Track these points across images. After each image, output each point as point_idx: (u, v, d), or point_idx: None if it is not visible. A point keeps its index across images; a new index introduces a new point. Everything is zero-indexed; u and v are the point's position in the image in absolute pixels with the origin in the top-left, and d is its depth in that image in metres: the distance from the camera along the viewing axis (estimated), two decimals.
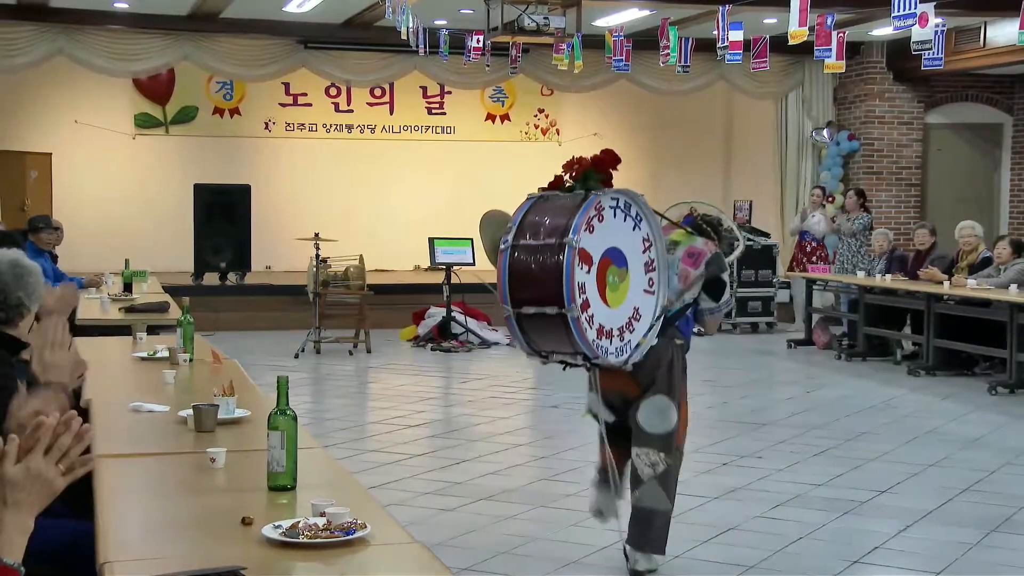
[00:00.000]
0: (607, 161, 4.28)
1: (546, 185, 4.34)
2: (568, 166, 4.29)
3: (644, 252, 4.26)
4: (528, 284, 4.07)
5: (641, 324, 4.24)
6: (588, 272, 4.02)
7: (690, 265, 4.50)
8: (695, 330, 4.69)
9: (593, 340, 4.01)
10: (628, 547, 4.54)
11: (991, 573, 4.69)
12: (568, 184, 4.27)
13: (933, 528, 5.23)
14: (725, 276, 4.59)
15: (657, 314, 4.29)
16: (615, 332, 4.13)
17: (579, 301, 3.94)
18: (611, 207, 4.15)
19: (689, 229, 4.68)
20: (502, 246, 4.15)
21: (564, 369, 4.34)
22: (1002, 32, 12.58)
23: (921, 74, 12.21)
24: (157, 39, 13.37)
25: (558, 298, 3.96)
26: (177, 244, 13.78)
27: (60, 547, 2.88)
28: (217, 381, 3.96)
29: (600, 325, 4.05)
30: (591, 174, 4.24)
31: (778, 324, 13.07)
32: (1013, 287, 9.02)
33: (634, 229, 4.24)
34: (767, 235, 13.45)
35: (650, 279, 4.29)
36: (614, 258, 4.15)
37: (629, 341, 4.18)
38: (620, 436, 4.52)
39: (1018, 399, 8.64)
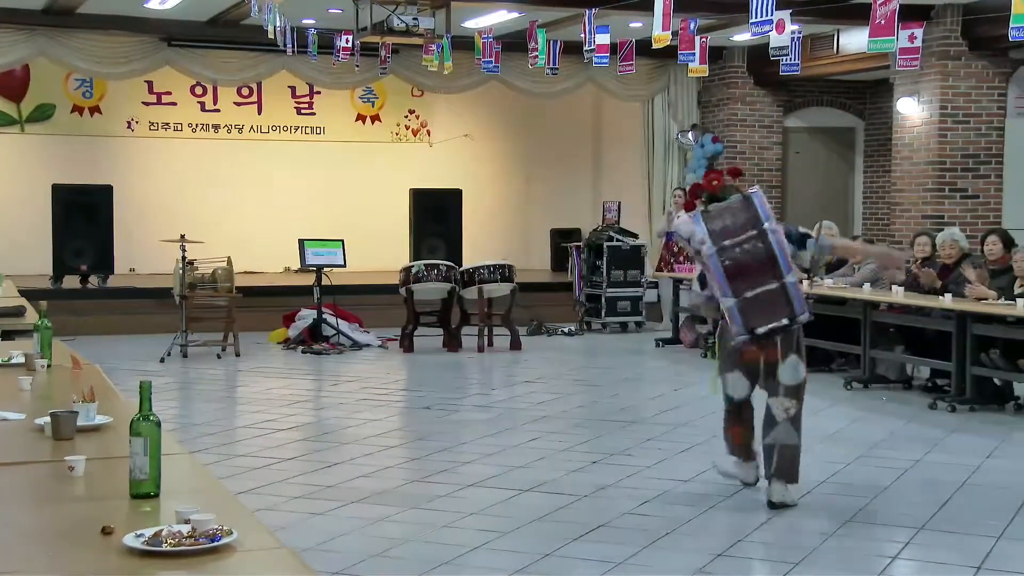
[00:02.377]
0: (738, 172, 5.92)
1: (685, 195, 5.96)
2: (709, 179, 5.68)
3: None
4: (745, 273, 5.30)
5: (803, 287, 5.75)
6: None
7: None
8: None
9: (804, 299, 5.40)
10: (767, 481, 5.56)
11: (847, 562, 4.88)
12: (714, 194, 5.53)
13: (793, 519, 5.41)
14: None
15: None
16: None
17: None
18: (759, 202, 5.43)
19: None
20: (708, 252, 5.28)
21: (763, 338, 5.48)
22: (853, 40, 13.08)
23: (780, 79, 12.60)
24: (10, 34, 12.87)
25: (777, 273, 5.33)
26: (34, 246, 13.31)
27: None
28: (77, 387, 3.85)
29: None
30: (730, 182, 5.65)
31: (646, 323, 13.32)
32: (866, 286, 9.40)
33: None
34: (635, 236, 13.69)
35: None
36: None
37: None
38: (737, 415, 5.85)
39: (871, 394, 9.00)
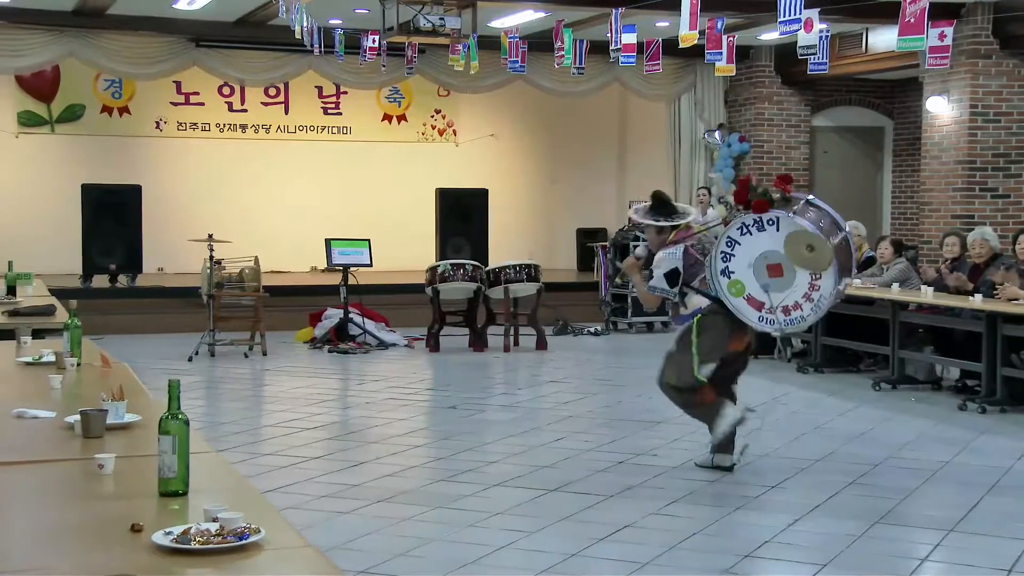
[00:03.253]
0: (788, 179, 6.36)
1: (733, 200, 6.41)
2: (782, 181, 6.25)
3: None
4: (847, 263, 6.20)
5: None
6: None
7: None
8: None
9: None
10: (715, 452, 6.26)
11: (875, 564, 4.84)
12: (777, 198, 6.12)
13: (820, 521, 5.38)
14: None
15: None
16: None
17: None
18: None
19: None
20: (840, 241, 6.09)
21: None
22: (882, 38, 13.00)
23: (807, 78, 12.53)
24: (40, 35, 12.99)
25: (851, 268, 6.37)
26: (64, 246, 13.42)
27: None
28: (106, 386, 3.87)
29: None
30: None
31: (673, 324, 13.23)
32: (895, 286, 9.33)
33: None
34: None
35: None
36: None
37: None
38: (705, 388, 6.26)
39: (900, 394, 8.93)
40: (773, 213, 6.01)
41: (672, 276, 6.20)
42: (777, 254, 6.03)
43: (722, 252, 6.12)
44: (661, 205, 6.39)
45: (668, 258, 6.19)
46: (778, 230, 6.02)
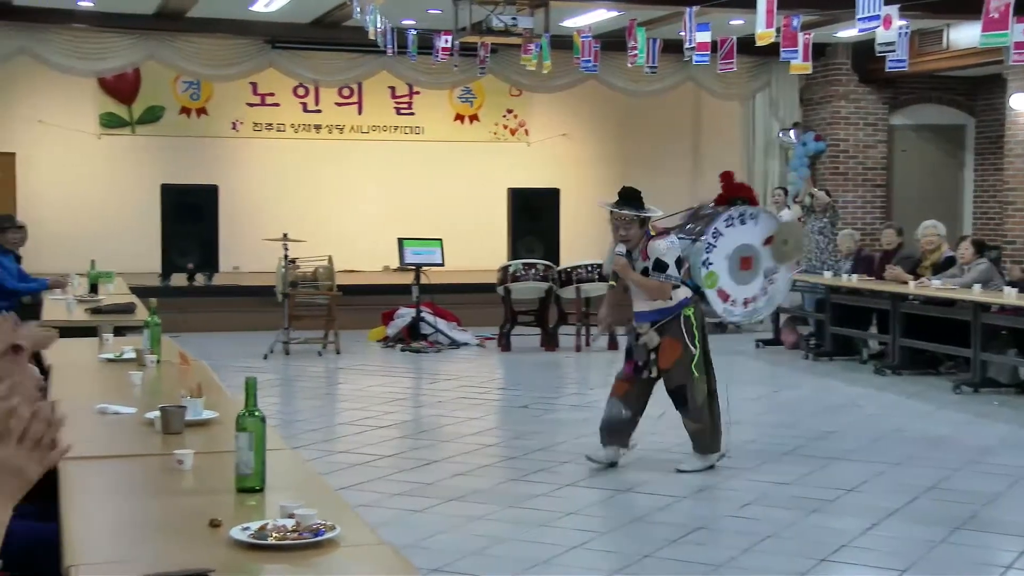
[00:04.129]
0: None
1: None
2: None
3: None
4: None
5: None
6: None
7: None
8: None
9: None
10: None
11: (956, 570, 4.74)
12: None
13: (899, 526, 5.27)
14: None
15: None
16: None
17: None
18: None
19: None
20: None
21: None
22: (964, 35, 12.72)
23: (885, 76, 12.32)
24: (122, 38, 13.26)
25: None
26: (144, 245, 13.67)
27: (20, 549, 2.85)
28: (185, 382, 3.93)
29: None
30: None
31: (746, 324, 13.11)
32: (976, 287, 9.11)
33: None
34: None
35: None
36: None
37: None
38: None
39: (982, 398, 8.73)
40: (757, 209, 6.58)
41: (680, 264, 6.21)
42: (751, 248, 6.52)
43: (707, 243, 6.35)
44: (635, 198, 6.19)
45: (672, 247, 6.16)
46: (757, 224, 6.53)
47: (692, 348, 6.20)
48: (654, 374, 6.24)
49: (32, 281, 9.07)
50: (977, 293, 8.97)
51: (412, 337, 11.47)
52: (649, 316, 6.22)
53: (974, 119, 15.36)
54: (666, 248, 6.13)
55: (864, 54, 13.74)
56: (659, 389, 6.34)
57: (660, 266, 6.11)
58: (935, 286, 9.39)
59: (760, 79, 14.97)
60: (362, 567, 2.42)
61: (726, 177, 6.69)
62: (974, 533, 5.17)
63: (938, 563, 4.76)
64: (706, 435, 6.26)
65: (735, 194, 6.60)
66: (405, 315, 11.73)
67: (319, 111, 15.73)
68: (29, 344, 4.32)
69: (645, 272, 6.14)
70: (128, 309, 7.26)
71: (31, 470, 2.00)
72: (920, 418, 7.97)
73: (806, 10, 10.66)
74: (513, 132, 16.49)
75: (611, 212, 6.17)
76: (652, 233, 6.19)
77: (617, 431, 6.25)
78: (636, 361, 6.27)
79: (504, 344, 11.37)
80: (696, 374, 6.20)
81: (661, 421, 7.81)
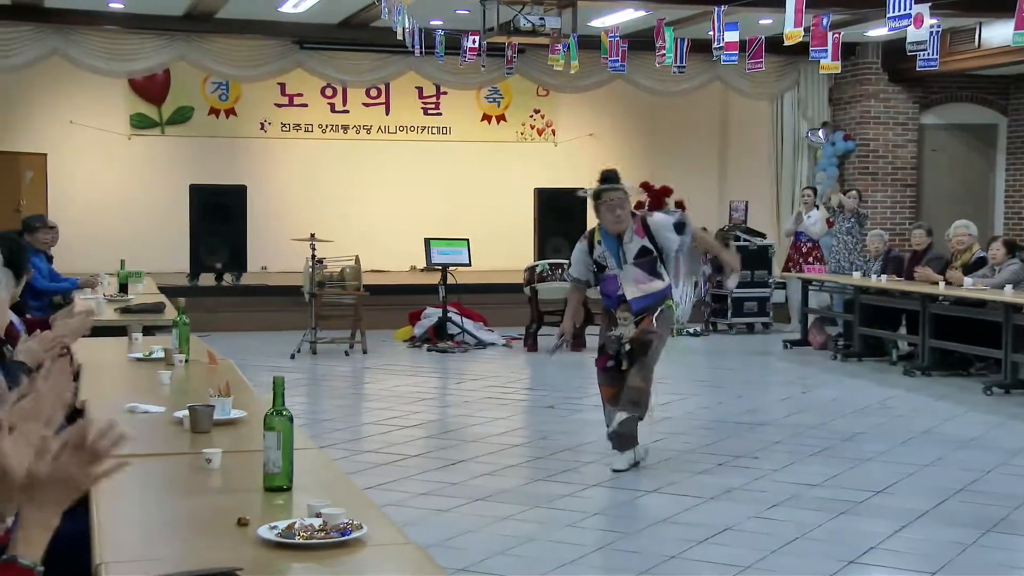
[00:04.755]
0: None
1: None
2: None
3: None
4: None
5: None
6: None
7: None
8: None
9: None
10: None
11: (986, 573, 4.69)
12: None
13: (929, 528, 5.23)
14: None
15: None
16: None
17: None
18: None
19: None
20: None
21: None
22: (997, 33, 12.60)
23: (916, 75, 12.22)
24: (152, 39, 13.35)
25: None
26: (173, 245, 13.77)
27: (50, 547, 2.87)
28: (213, 382, 3.95)
29: None
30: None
31: (774, 325, 13.07)
32: (1008, 287, 9.03)
33: None
34: (763, 235, 13.46)
35: None
36: None
37: None
38: None
39: (1013, 399, 8.65)
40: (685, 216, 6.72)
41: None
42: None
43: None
44: (618, 179, 6.37)
45: (671, 214, 6.55)
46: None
47: (664, 335, 6.26)
48: (624, 366, 6.22)
49: (63, 281, 9.15)
50: (1008, 294, 8.88)
51: (439, 337, 11.49)
52: (642, 302, 6.18)
53: (1006, 118, 15.21)
54: (668, 214, 6.45)
55: (894, 53, 13.64)
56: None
57: (680, 228, 6.31)
58: (967, 287, 9.31)
59: (789, 78, 14.89)
60: (388, 566, 2.42)
61: (646, 186, 6.86)
62: (1005, 536, 5.13)
63: (968, 566, 4.72)
64: (643, 399, 6.16)
65: (664, 195, 6.79)
66: (432, 315, 11.75)
67: (347, 112, 15.78)
68: (71, 338, 4.37)
69: (643, 251, 6.14)
70: (157, 309, 7.31)
71: (85, 482, 2.04)
72: (950, 420, 7.91)
73: (836, 9, 10.60)
74: (540, 132, 16.49)
75: (601, 196, 6.19)
76: (637, 213, 6.33)
77: (623, 434, 6.22)
78: (608, 353, 6.27)
79: (530, 344, 11.37)
80: (660, 348, 6.24)
81: (685, 420, 7.79)
